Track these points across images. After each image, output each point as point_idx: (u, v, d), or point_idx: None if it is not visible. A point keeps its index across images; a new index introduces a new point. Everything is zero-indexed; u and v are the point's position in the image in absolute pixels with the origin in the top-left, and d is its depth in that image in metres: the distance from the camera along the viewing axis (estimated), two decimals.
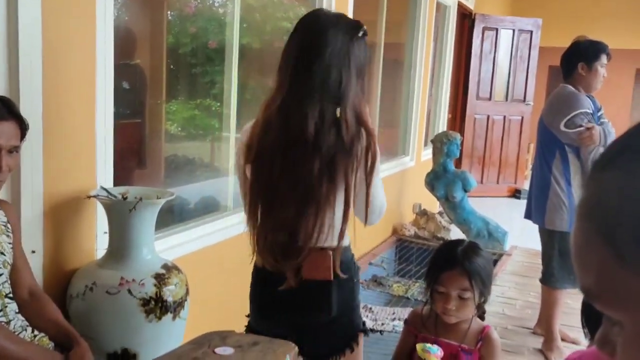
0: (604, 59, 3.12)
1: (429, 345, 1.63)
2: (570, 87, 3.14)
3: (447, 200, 5.13)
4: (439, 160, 5.15)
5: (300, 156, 1.56)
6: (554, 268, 3.21)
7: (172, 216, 2.81)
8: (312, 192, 1.56)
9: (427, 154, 5.81)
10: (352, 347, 1.71)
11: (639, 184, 0.42)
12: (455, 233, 5.25)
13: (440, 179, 5.13)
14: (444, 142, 5.11)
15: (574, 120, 3.01)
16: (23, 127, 1.56)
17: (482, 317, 1.82)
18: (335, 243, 1.63)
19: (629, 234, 0.42)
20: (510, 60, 7.27)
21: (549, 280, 3.26)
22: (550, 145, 3.16)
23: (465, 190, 5.10)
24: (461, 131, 6.68)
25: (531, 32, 7.24)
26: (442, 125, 6.46)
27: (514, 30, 7.24)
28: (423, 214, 5.41)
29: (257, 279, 1.79)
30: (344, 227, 1.63)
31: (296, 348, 1.47)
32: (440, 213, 5.55)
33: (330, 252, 1.62)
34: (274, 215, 1.62)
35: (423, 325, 1.78)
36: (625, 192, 0.43)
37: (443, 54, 6.38)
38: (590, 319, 1.25)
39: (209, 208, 3.08)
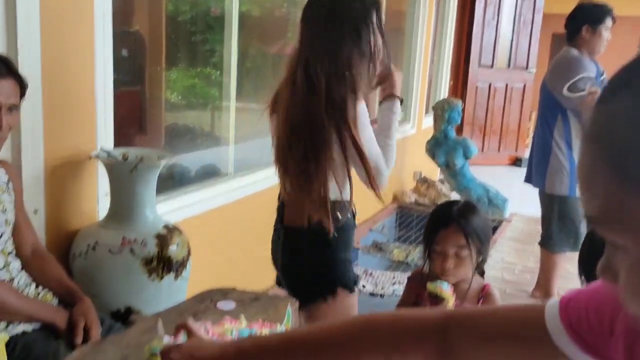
0: (608, 21, 3.09)
1: (439, 281, 1.65)
2: (574, 51, 3.12)
3: (448, 168, 5.13)
4: (440, 127, 5.13)
5: (316, 112, 1.62)
6: (553, 231, 3.23)
7: (173, 183, 2.82)
8: (326, 147, 1.64)
9: (429, 121, 5.80)
10: (327, 298, 1.75)
11: None
12: None
13: (441, 146, 5.12)
14: (445, 109, 5.09)
15: (577, 84, 3.00)
16: (22, 85, 1.56)
17: (482, 276, 1.84)
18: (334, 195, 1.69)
19: (637, 158, 0.42)
20: (513, 26, 7.19)
21: (548, 243, 3.29)
22: (553, 109, 3.15)
23: (466, 158, 5.10)
24: (463, 99, 6.64)
25: None
26: (443, 92, 6.42)
27: None
28: (424, 181, 5.43)
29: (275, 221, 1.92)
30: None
31: (297, 303, 1.49)
32: (441, 180, 5.57)
33: (309, 202, 1.67)
34: (296, 169, 1.69)
35: (424, 285, 1.80)
36: (634, 116, 0.43)
37: (445, 20, 6.31)
38: (588, 266, 1.26)
39: (209, 175, 3.10)
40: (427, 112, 5.99)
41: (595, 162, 0.45)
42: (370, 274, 3.63)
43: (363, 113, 1.67)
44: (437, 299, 1.62)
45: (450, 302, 1.63)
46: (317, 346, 0.79)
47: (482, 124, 7.29)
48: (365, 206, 4.60)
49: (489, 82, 7.23)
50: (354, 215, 1.83)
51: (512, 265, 4.07)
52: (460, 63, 7.24)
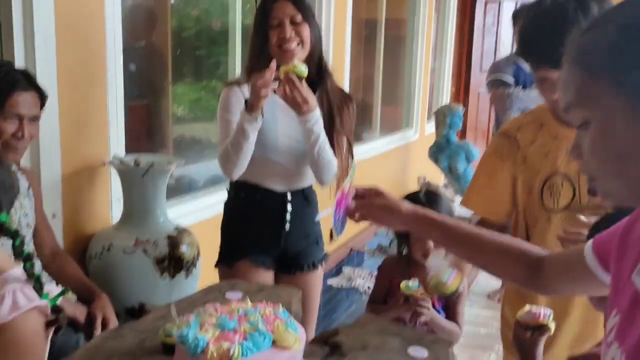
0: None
1: (410, 282, 1.76)
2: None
3: (451, 172, 5.22)
4: (442, 132, 5.23)
5: None
6: None
7: (182, 194, 2.92)
8: None
9: (431, 127, 5.89)
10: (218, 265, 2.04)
11: (612, 26, 0.68)
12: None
13: (443, 151, 5.22)
14: (446, 115, 5.19)
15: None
16: (42, 97, 1.68)
17: None
18: None
19: (599, 56, 0.68)
20: (513, 31, 7.29)
21: None
22: None
23: (469, 161, 5.19)
24: (465, 104, 6.74)
25: None
26: (445, 98, 6.53)
27: (516, 3, 7.25)
28: (427, 186, 5.51)
29: None
30: None
31: (300, 293, 1.59)
32: (445, 185, 5.65)
33: None
34: None
35: (396, 272, 1.90)
36: (597, 37, 0.69)
37: (445, 28, 6.43)
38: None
39: (218, 186, 3.19)
40: (429, 118, 6.10)
41: (569, 69, 0.72)
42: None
43: (220, 100, 1.89)
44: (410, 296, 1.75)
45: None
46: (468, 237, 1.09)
47: (485, 129, 7.38)
48: None
49: None
50: (253, 201, 1.91)
51: None
52: (461, 69, 7.35)
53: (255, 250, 1.90)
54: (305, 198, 1.96)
